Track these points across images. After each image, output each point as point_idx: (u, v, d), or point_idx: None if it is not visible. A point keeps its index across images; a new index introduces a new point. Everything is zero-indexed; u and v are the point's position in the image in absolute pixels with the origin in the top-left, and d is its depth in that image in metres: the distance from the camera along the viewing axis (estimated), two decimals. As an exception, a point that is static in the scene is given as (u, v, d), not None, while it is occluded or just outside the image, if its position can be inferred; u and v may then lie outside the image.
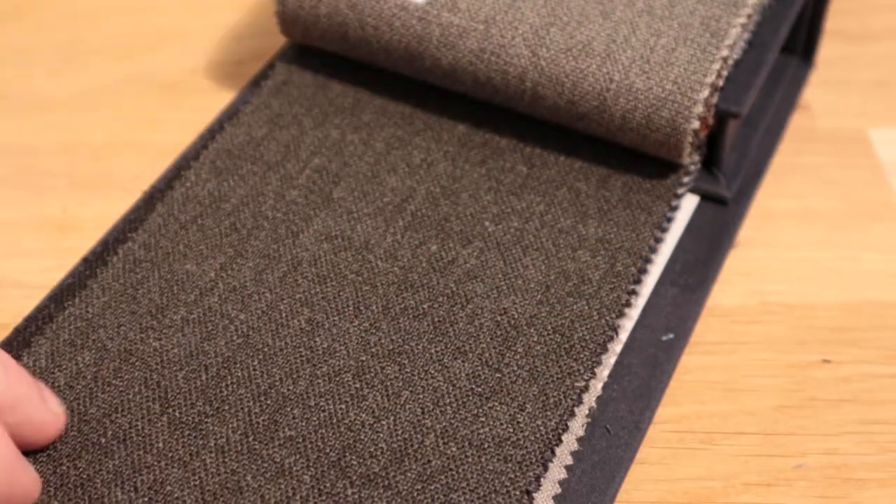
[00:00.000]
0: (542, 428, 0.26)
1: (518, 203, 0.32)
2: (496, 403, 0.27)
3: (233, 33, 0.43)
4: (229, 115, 0.35)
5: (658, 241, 0.31)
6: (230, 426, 0.27)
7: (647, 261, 0.30)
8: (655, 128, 0.31)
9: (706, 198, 0.34)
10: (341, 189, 0.32)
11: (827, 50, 0.40)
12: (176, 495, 0.25)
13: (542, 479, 0.26)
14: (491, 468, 0.26)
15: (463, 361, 0.28)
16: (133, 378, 0.28)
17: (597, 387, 0.28)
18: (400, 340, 0.28)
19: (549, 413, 0.27)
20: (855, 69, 0.41)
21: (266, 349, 0.28)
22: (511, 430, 0.26)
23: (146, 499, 0.25)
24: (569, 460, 0.27)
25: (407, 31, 0.33)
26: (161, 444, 0.26)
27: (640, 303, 0.30)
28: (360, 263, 0.30)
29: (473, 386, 0.27)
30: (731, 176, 0.34)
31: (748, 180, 0.35)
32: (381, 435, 0.26)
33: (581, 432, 0.27)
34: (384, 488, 0.26)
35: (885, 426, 0.29)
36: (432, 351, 0.28)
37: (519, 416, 0.27)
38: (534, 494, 0.26)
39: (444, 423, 0.27)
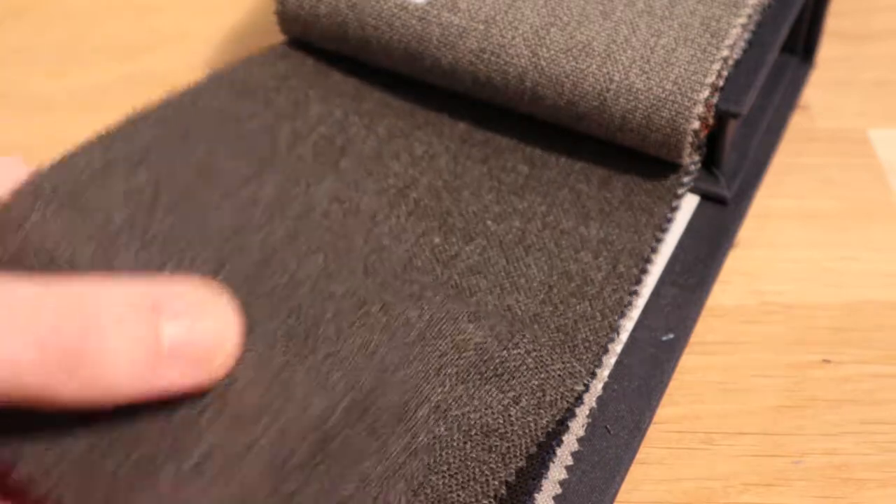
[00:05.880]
0: (532, 424, 0.26)
1: (520, 203, 0.32)
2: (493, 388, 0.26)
3: (233, 33, 0.43)
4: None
5: (658, 241, 0.31)
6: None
7: (648, 261, 0.30)
8: (655, 128, 0.31)
9: (706, 198, 0.34)
10: (347, 161, 0.32)
11: (827, 50, 0.40)
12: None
13: (542, 480, 0.26)
14: (474, 456, 0.25)
15: (476, 327, 0.27)
16: None
17: (597, 387, 0.28)
18: (410, 302, 0.28)
19: (542, 411, 0.26)
20: (855, 69, 0.41)
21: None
22: (501, 421, 0.26)
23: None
24: (569, 460, 0.27)
25: (407, 31, 0.33)
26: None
27: (640, 303, 0.30)
28: (368, 233, 0.30)
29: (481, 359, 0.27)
30: (731, 176, 0.34)
31: (748, 180, 0.35)
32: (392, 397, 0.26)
33: (581, 432, 0.27)
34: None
35: (885, 426, 0.29)
36: (449, 307, 0.28)
37: (512, 408, 0.26)
38: (534, 494, 0.26)
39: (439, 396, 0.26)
